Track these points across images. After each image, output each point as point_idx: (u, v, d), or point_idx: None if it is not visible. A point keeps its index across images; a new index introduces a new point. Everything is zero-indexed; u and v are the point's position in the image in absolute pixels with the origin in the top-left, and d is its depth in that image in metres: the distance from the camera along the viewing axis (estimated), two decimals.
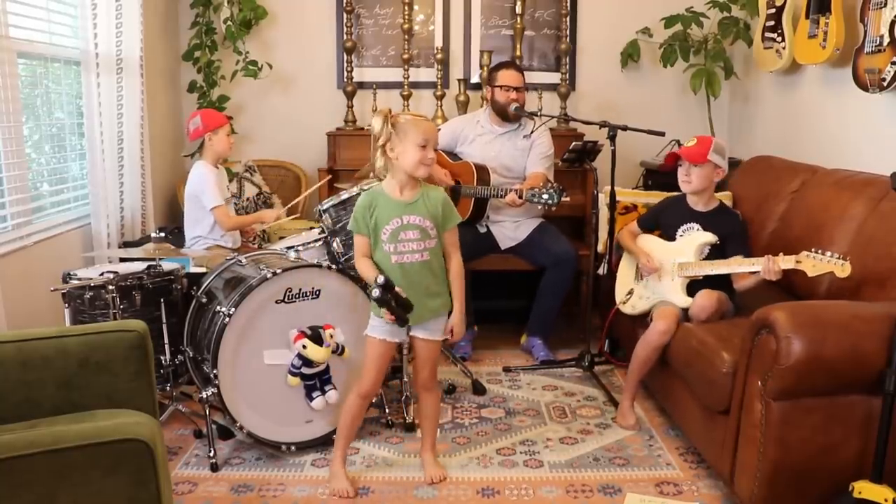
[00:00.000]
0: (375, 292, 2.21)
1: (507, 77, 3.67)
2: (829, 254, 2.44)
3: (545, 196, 3.32)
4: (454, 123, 3.92)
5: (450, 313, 2.46)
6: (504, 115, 3.70)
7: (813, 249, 2.48)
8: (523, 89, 3.70)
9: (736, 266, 2.74)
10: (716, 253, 2.84)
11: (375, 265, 2.36)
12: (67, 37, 3.50)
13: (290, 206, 3.79)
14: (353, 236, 2.44)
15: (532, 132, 3.70)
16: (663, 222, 3.07)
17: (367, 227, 2.36)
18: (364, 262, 2.38)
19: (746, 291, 2.80)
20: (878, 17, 2.81)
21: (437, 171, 3.69)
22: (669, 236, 3.01)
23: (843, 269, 2.39)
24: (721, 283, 2.82)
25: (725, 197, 3.60)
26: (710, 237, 2.84)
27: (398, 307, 2.24)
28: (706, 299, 2.75)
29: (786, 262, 2.53)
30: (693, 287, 2.83)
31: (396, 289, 2.24)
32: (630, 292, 3.08)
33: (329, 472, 2.53)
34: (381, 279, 2.22)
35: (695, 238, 2.89)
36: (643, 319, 2.98)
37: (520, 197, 3.38)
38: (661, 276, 2.93)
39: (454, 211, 2.44)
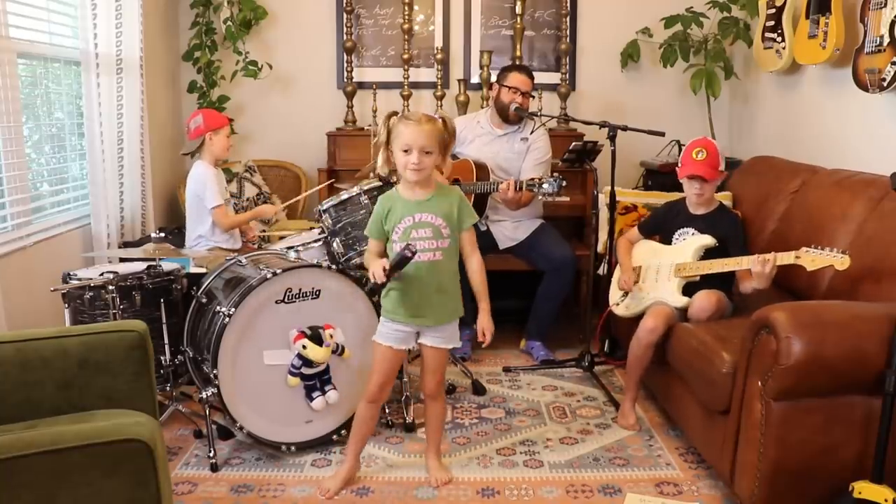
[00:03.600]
0: (407, 251, 2.21)
1: (516, 80, 3.67)
2: (827, 248, 2.44)
3: (545, 185, 3.32)
4: (454, 124, 3.91)
5: (462, 320, 2.45)
6: (505, 115, 3.70)
7: (812, 245, 2.49)
8: (529, 96, 3.71)
9: (733, 264, 2.74)
10: (718, 255, 2.84)
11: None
12: (67, 37, 3.50)
13: (288, 203, 3.79)
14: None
15: (532, 132, 3.70)
16: (662, 227, 3.07)
17: (379, 231, 2.36)
18: (372, 257, 2.38)
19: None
20: (878, 18, 2.81)
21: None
22: (666, 241, 3.01)
23: (842, 263, 2.39)
24: (719, 283, 2.82)
25: (725, 197, 3.60)
26: (709, 241, 2.84)
27: (395, 267, 2.24)
28: (705, 300, 2.75)
29: (785, 258, 2.54)
30: (690, 289, 2.83)
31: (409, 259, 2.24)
32: (625, 294, 3.08)
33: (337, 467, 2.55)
34: (415, 245, 2.25)
35: (693, 241, 2.88)
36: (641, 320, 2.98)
37: (519, 189, 3.37)
38: (657, 278, 2.93)
39: (470, 210, 2.42)
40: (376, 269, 2.26)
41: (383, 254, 2.38)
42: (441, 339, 2.43)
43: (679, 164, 2.97)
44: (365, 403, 2.48)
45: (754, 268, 2.58)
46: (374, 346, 2.45)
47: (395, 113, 2.35)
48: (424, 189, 2.35)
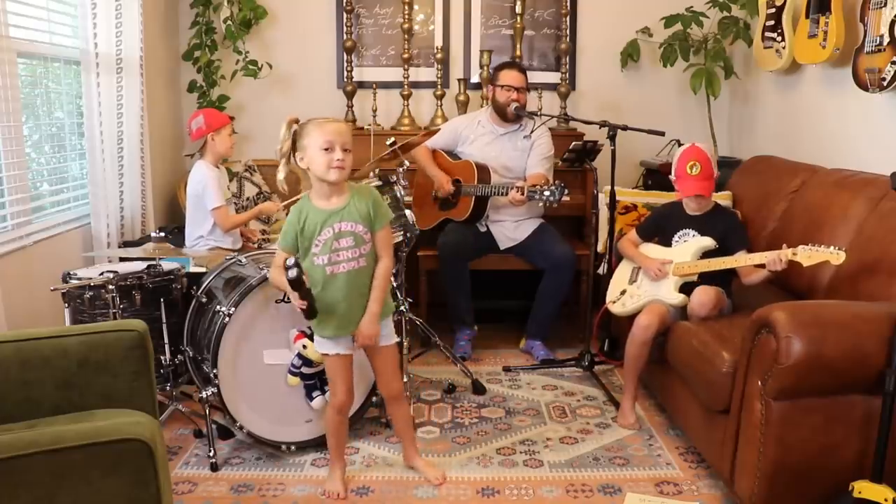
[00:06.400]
0: (292, 273, 2.11)
1: (509, 77, 3.66)
2: (823, 245, 2.45)
3: (546, 193, 3.32)
4: (455, 123, 3.91)
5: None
6: (504, 114, 3.69)
7: (809, 244, 2.50)
8: (525, 90, 3.69)
9: (732, 262, 2.74)
10: (718, 254, 2.84)
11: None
12: (67, 37, 3.50)
13: (288, 202, 3.78)
14: None
15: (532, 132, 3.70)
16: (661, 229, 3.06)
17: (294, 241, 2.26)
18: (278, 271, 2.25)
19: (747, 290, 2.80)
20: (878, 17, 2.81)
21: (438, 176, 3.69)
22: (666, 243, 3.01)
23: (836, 257, 2.40)
24: (717, 280, 2.82)
25: (725, 197, 3.61)
26: (710, 243, 2.84)
27: (298, 289, 2.16)
28: (704, 295, 2.75)
29: (782, 254, 2.54)
30: (688, 289, 2.83)
31: (304, 277, 2.16)
32: (623, 292, 3.08)
33: (328, 472, 2.54)
34: (291, 260, 2.13)
35: (694, 243, 2.89)
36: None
37: (521, 193, 3.38)
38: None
39: (384, 209, 2.32)
40: (294, 301, 2.20)
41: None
42: (381, 337, 2.38)
43: (673, 174, 2.96)
44: (334, 412, 2.43)
45: (771, 266, 2.58)
46: (324, 358, 2.41)
47: (296, 120, 2.25)
48: (339, 195, 2.26)
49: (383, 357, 2.43)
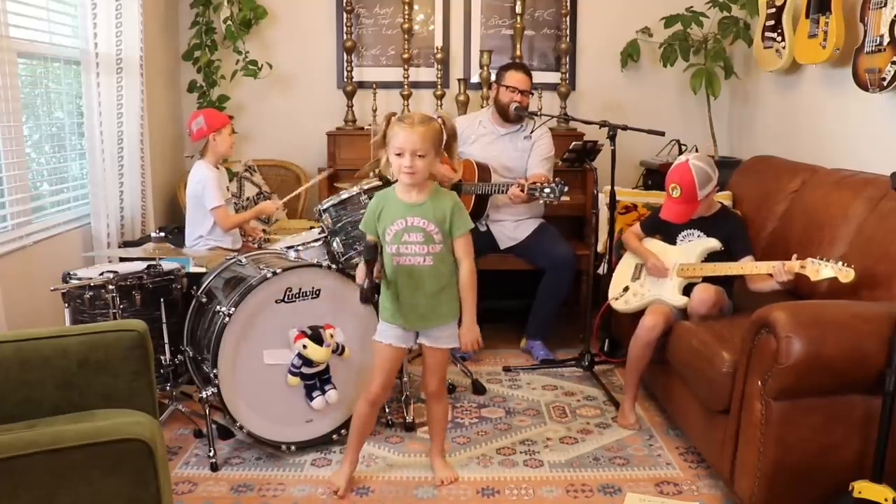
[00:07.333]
0: (369, 243, 2.25)
1: (514, 79, 3.66)
2: (832, 260, 2.45)
3: (547, 190, 3.32)
4: (455, 124, 3.91)
5: (459, 321, 2.44)
6: (505, 114, 3.70)
7: (818, 257, 2.49)
8: (528, 93, 3.70)
9: (737, 269, 2.74)
10: (722, 256, 2.84)
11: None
12: (67, 37, 3.50)
13: (288, 197, 3.78)
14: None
15: (532, 132, 3.70)
16: (664, 227, 3.06)
17: (374, 227, 2.36)
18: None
19: (748, 290, 2.80)
20: (878, 17, 2.81)
21: (439, 167, 3.68)
22: (670, 241, 3.00)
23: (846, 276, 2.40)
24: (720, 281, 2.82)
25: (725, 197, 3.60)
26: (715, 244, 2.84)
27: (367, 262, 2.26)
28: (705, 293, 2.75)
29: (790, 266, 2.54)
30: (690, 289, 2.83)
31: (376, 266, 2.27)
32: (625, 289, 3.08)
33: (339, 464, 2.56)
34: (371, 240, 2.27)
35: (699, 244, 2.88)
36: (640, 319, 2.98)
37: (522, 191, 3.38)
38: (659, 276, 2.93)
39: (465, 217, 2.37)
40: (357, 272, 2.30)
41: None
42: (438, 339, 2.43)
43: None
44: (365, 404, 2.47)
45: (777, 277, 2.58)
46: (375, 346, 2.45)
47: (395, 114, 2.34)
48: (419, 192, 2.34)
49: (435, 356, 2.46)
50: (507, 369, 3.57)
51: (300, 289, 2.65)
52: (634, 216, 3.71)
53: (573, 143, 3.48)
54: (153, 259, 2.87)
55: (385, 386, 2.46)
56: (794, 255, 2.57)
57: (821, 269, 2.45)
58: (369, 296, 2.29)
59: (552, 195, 3.32)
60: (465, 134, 3.79)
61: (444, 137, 2.32)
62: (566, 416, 3.07)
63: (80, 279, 2.69)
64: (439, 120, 2.32)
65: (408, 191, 2.34)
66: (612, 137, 3.32)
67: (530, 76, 3.73)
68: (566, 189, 3.33)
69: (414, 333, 2.42)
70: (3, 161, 2.94)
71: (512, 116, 3.69)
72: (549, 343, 3.77)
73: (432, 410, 2.58)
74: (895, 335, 2.01)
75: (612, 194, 3.38)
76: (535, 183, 3.40)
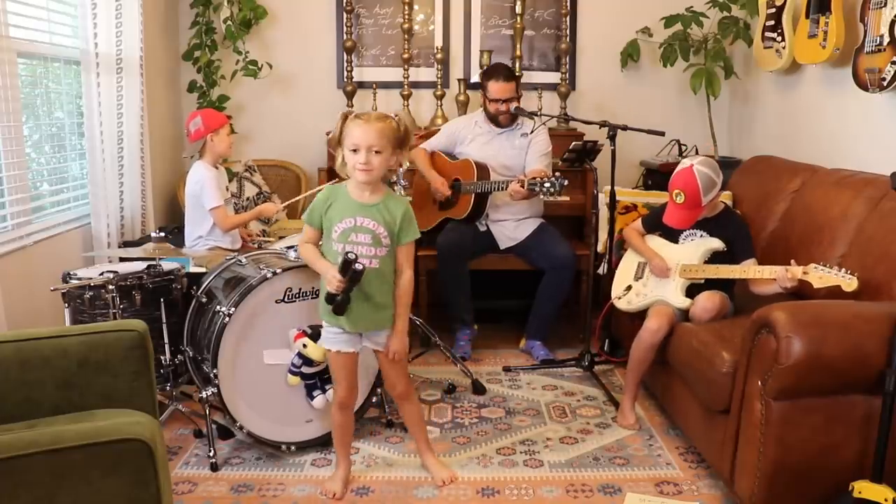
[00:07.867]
0: (358, 266, 2.19)
1: (494, 90, 3.62)
2: (836, 268, 2.45)
3: (547, 184, 3.32)
4: (452, 125, 3.92)
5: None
6: (496, 122, 3.71)
7: (821, 263, 2.49)
8: (514, 98, 3.66)
9: (740, 273, 2.74)
10: (724, 257, 2.84)
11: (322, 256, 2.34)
12: (67, 37, 3.50)
13: (288, 203, 3.79)
14: None
15: (532, 132, 3.70)
16: (667, 225, 3.06)
17: (320, 219, 2.33)
18: (308, 248, 2.36)
19: (748, 290, 2.80)
20: (878, 17, 2.81)
21: (435, 179, 3.70)
22: (673, 239, 3.00)
23: (849, 284, 2.39)
24: (721, 284, 2.82)
25: (725, 197, 3.60)
26: (718, 245, 2.84)
27: (351, 282, 2.22)
28: (709, 301, 2.74)
29: (793, 272, 2.54)
30: (692, 289, 2.83)
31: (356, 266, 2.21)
32: (628, 288, 3.07)
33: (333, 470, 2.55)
34: (352, 255, 2.20)
35: (702, 244, 2.88)
36: (642, 319, 2.98)
37: (522, 186, 3.38)
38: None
39: (414, 226, 2.36)
40: (331, 279, 2.24)
41: (315, 243, 2.37)
42: (381, 343, 2.41)
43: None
44: (337, 410, 2.47)
45: (781, 283, 2.57)
46: (328, 354, 2.44)
47: (351, 111, 2.32)
48: (373, 193, 2.31)
49: (390, 360, 2.44)
50: (507, 369, 3.57)
51: (300, 289, 2.65)
52: (634, 216, 3.71)
53: (573, 143, 3.48)
54: (153, 259, 2.87)
55: (349, 389, 2.45)
56: (793, 261, 2.56)
57: (823, 277, 2.45)
58: (345, 308, 2.27)
59: (553, 189, 3.32)
60: (462, 134, 3.80)
61: (402, 135, 2.28)
62: (566, 416, 3.07)
63: (80, 279, 2.69)
64: (396, 118, 2.29)
65: (361, 190, 2.30)
66: (612, 137, 3.32)
67: (514, 77, 3.69)
68: (566, 183, 3.33)
69: (358, 336, 2.39)
70: (3, 161, 2.94)
71: (504, 123, 3.69)
72: (549, 343, 3.77)
73: (405, 412, 2.57)
74: (895, 335, 2.01)
75: (612, 194, 3.38)
76: (534, 178, 3.40)
